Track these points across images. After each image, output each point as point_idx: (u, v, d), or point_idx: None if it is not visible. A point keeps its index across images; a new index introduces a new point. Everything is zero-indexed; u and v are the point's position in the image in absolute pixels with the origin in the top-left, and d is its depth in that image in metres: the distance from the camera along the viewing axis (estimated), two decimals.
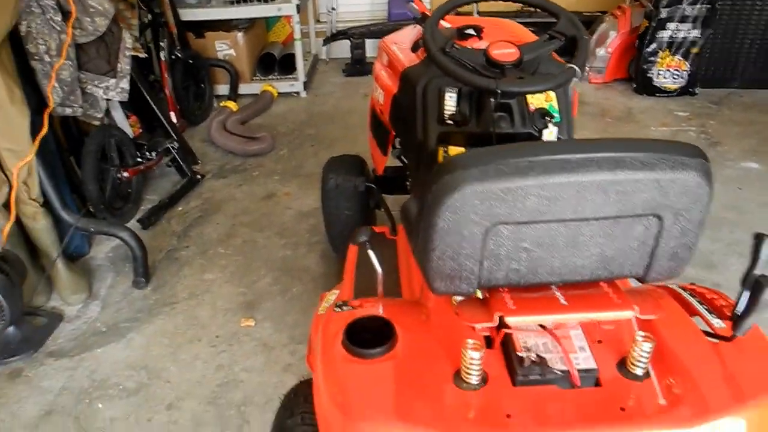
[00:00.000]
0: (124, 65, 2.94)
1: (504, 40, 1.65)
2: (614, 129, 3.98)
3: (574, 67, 1.54)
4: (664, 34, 4.20)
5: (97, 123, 2.98)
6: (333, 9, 5.00)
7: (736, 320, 1.18)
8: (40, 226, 2.56)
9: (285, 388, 1.74)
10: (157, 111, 3.37)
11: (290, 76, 4.57)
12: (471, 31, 1.85)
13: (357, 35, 4.26)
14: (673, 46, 4.24)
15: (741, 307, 1.18)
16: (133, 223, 3.10)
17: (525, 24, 2.19)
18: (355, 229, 1.47)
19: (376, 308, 1.34)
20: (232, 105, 4.18)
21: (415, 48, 1.95)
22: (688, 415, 1.08)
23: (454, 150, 1.69)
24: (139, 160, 3.21)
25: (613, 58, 4.54)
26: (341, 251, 2.40)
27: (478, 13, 3.26)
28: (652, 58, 4.28)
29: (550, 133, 1.72)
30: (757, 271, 1.21)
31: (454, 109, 1.71)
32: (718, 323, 1.27)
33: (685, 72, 4.29)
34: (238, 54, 4.43)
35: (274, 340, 2.37)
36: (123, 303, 2.63)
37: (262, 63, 4.65)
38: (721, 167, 3.53)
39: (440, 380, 1.17)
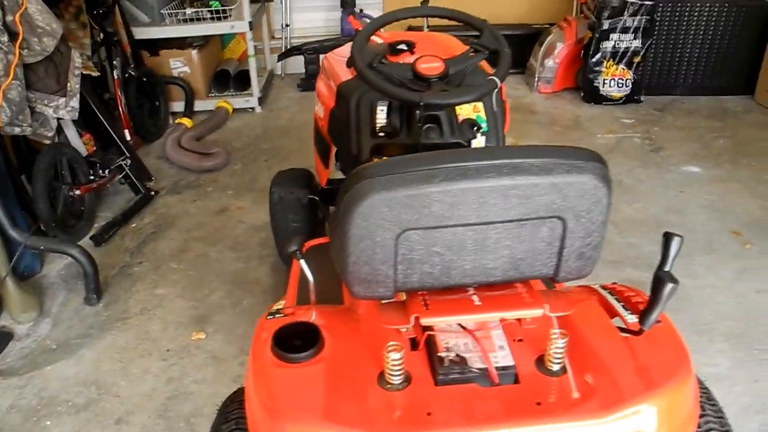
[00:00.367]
0: (74, 84, 2.96)
1: (431, 55, 1.73)
2: (562, 137, 4.10)
3: (495, 78, 1.63)
4: (608, 45, 4.36)
5: (47, 141, 2.99)
6: (287, 25, 5.07)
7: (642, 315, 1.26)
8: None
9: None
10: (110, 129, 3.39)
11: (245, 92, 4.62)
12: (403, 46, 1.93)
13: (311, 51, 4.31)
14: (616, 56, 4.39)
15: None
16: (86, 241, 3.10)
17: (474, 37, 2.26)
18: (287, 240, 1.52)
19: (309, 315, 1.40)
20: (186, 121, 4.20)
21: (349, 64, 2.03)
22: (599, 406, 1.15)
23: None
24: (92, 177, 3.22)
25: (561, 68, 4.68)
26: (289, 263, 2.45)
27: (428, 27, 3.35)
28: (598, 68, 4.43)
29: (478, 143, 1.81)
30: (666, 268, 1.30)
31: (384, 121, 1.78)
32: (632, 319, 1.35)
33: (629, 80, 4.45)
34: (193, 71, 4.46)
35: (224, 351, 2.40)
36: (74, 320, 2.64)
37: (218, 80, 4.69)
38: (664, 171, 3.67)
39: (365, 382, 1.23)
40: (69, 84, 2.93)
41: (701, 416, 1.38)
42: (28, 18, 2.67)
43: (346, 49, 2.36)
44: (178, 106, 4.49)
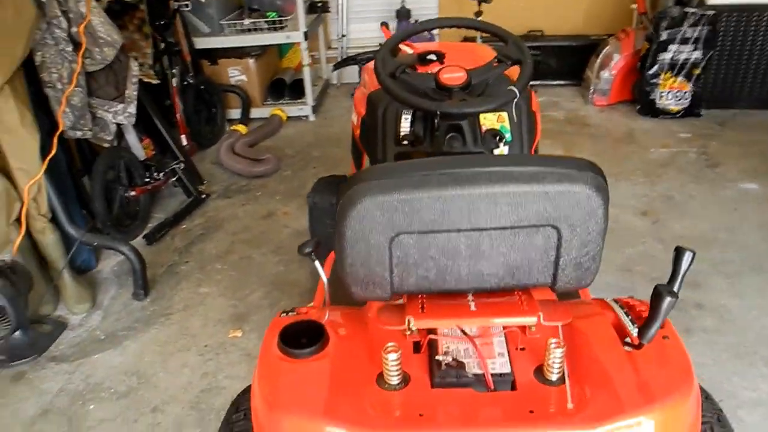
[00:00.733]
0: (131, 91, 3.14)
1: (455, 65, 1.76)
2: (613, 150, 4.03)
3: (514, 89, 1.64)
4: (666, 56, 4.26)
5: (107, 145, 3.17)
6: (343, 35, 5.18)
7: (641, 329, 1.24)
8: (48, 240, 2.74)
9: None
10: (165, 133, 3.56)
11: (300, 101, 4.75)
12: (432, 57, 1.96)
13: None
14: (675, 67, 4.28)
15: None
16: (139, 240, 3.27)
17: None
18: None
19: (321, 315, 1.45)
20: (241, 128, 4.36)
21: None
22: (592, 417, 1.15)
23: None
24: (147, 180, 3.39)
25: (617, 80, 4.60)
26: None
27: (481, 39, 3.37)
28: (654, 80, 4.32)
29: (501, 152, 1.82)
30: (676, 283, 1.28)
31: (408, 130, 1.82)
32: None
33: (687, 93, 4.33)
34: (250, 79, 4.63)
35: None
36: (122, 313, 2.79)
37: (274, 88, 4.84)
38: (719, 188, 3.55)
39: (365, 381, 1.26)
40: (127, 91, 3.11)
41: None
42: (91, 29, 2.85)
43: None
44: (235, 113, 4.66)
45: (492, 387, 1.25)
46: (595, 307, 1.46)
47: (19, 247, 2.61)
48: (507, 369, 1.27)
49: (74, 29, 2.79)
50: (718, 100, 4.47)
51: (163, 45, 3.89)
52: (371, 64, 2.41)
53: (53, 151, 2.70)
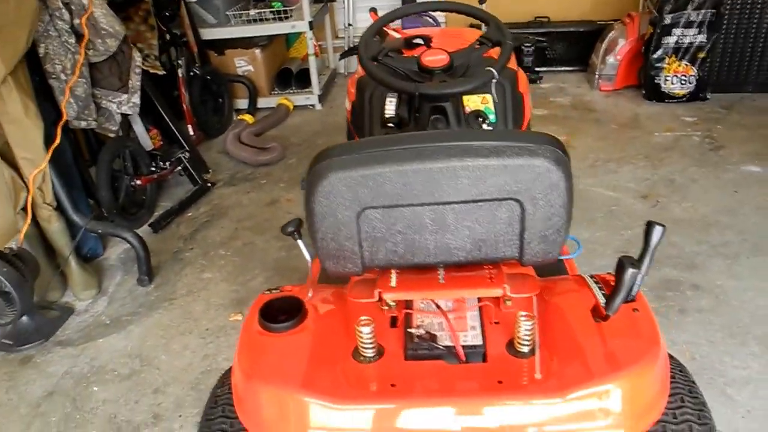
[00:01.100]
0: (135, 82, 3.20)
1: (438, 48, 1.79)
2: (617, 135, 4.02)
3: (492, 69, 1.67)
4: (670, 40, 4.22)
5: (112, 135, 3.24)
6: (350, 25, 5.21)
7: (607, 301, 1.27)
8: (54, 228, 2.81)
9: None
10: (171, 123, 3.62)
11: (306, 90, 4.79)
12: (419, 41, 1.99)
13: None
14: (679, 51, 4.25)
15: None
16: (145, 227, 3.34)
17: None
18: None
19: (305, 292, 1.49)
20: (248, 118, 4.42)
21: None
22: (559, 386, 1.18)
23: None
24: (153, 169, 3.46)
25: (623, 65, 4.57)
26: None
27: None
28: (659, 65, 4.30)
29: None
30: (646, 258, 1.30)
31: (393, 112, 1.85)
32: None
33: (693, 77, 4.29)
34: (257, 69, 4.68)
35: None
36: (127, 299, 2.86)
37: (281, 78, 4.88)
38: (721, 171, 3.53)
39: (341, 354, 1.31)
40: (130, 81, 3.17)
41: (679, 405, 1.37)
42: (93, 21, 2.91)
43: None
44: (243, 103, 4.71)
45: (463, 359, 1.28)
46: (571, 283, 1.49)
47: (26, 235, 2.69)
48: (479, 341, 1.31)
49: (77, 21, 2.85)
50: (724, 84, 4.43)
51: (169, 36, 3.95)
52: None
53: (57, 141, 2.77)
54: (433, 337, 1.32)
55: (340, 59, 5.16)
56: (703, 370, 2.19)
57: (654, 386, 1.21)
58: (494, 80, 1.68)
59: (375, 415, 1.17)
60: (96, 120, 3.07)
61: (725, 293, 2.57)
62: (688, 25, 4.16)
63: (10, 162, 2.68)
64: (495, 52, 1.82)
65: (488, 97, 1.86)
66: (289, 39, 5.25)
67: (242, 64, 4.66)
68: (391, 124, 1.86)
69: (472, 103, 1.85)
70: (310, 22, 4.48)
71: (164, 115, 3.63)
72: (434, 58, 1.74)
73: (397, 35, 2.06)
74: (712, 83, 4.39)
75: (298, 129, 4.51)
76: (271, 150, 3.99)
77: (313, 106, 4.80)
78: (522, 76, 2.12)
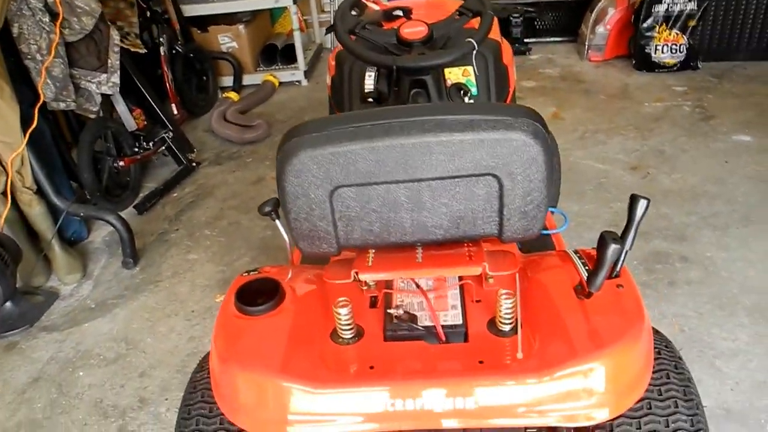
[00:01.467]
0: (114, 60, 3.13)
1: (417, 19, 1.74)
2: (606, 106, 3.97)
3: (471, 41, 1.62)
4: (660, 8, 4.16)
5: (93, 116, 3.18)
6: None
7: (589, 277, 1.24)
8: (36, 212, 2.77)
9: None
10: (153, 103, 3.55)
11: (292, 66, 4.71)
12: (399, 13, 1.94)
13: None
14: (669, 20, 4.19)
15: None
16: (130, 209, 3.30)
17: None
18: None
19: (285, 274, 1.46)
20: (233, 95, 4.35)
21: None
22: (540, 365, 1.15)
23: None
24: (136, 150, 3.40)
25: (613, 35, 4.50)
26: None
27: None
28: (649, 34, 4.24)
29: None
30: (630, 233, 1.27)
31: (372, 87, 1.80)
32: None
33: (683, 46, 4.24)
34: (241, 46, 4.59)
35: None
36: (113, 282, 2.83)
37: (266, 54, 4.80)
38: (711, 140, 3.50)
39: (320, 336, 1.28)
40: (109, 60, 3.10)
41: (664, 381, 1.35)
42: None
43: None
44: (228, 80, 4.64)
45: (444, 339, 1.25)
46: (555, 259, 1.46)
47: (7, 219, 2.64)
48: (459, 321, 1.28)
49: None
50: (715, 52, 4.38)
51: (149, 13, 3.86)
52: None
53: (34, 124, 2.71)
54: (412, 318, 1.29)
55: (326, 34, 5.02)
56: (692, 343, 2.18)
57: (638, 363, 1.19)
58: (475, 51, 1.63)
59: (353, 398, 1.14)
60: (75, 101, 3.00)
61: (714, 264, 2.56)
62: None
63: None
64: (477, 22, 1.77)
65: (470, 69, 1.81)
66: (274, 14, 5.15)
67: (226, 40, 4.58)
68: (370, 99, 1.82)
69: (453, 75, 1.80)
70: None
71: (147, 94, 3.56)
72: (413, 30, 1.69)
73: (376, 7, 2.00)
74: (703, 52, 4.34)
75: (284, 106, 4.45)
76: (256, 127, 3.94)
77: (299, 82, 4.73)
78: (506, 47, 2.07)
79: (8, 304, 2.58)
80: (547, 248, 1.86)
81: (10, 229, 2.68)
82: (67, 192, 2.98)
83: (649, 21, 4.21)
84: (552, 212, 1.88)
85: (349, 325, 1.25)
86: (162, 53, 3.93)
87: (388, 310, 1.29)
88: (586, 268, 1.38)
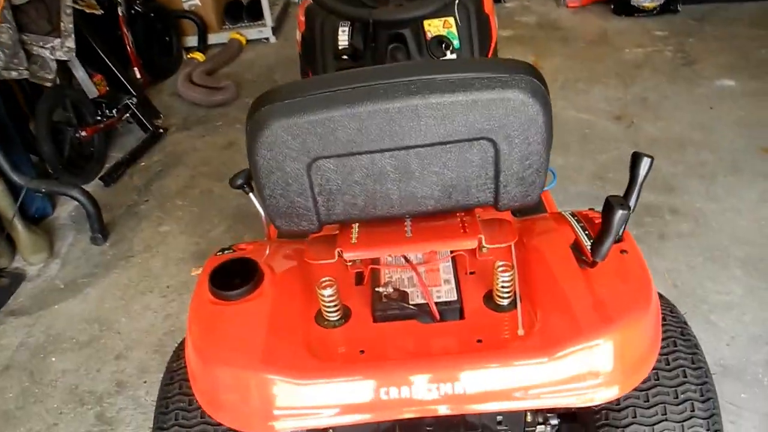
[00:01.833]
0: (68, 24, 2.92)
1: None
2: (585, 53, 3.86)
3: None
4: None
5: (49, 84, 2.98)
6: None
7: (593, 245, 1.14)
8: None
9: None
10: (113, 67, 3.36)
11: (259, 23, 4.50)
12: None
13: None
14: None
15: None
16: (96, 181, 3.14)
17: None
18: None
19: (262, 252, 1.35)
20: (199, 56, 4.15)
21: None
22: (544, 343, 1.06)
23: None
24: (99, 118, 3.22)
25: None
26: None
27: None
28: None
29: None
30: (633, 193, 1.18)
31: (347, 43, 1.67)
32: None
33: None
34: (204, 3, 4.36)
35: None
36: (82, 260, 2.70)
37: (231, 11, 4.58)
38: (694, 86, 3.42)
39: (304, 320, 1.18)
40: (62, 24, 2.89)
41: (672, 349, 1.28)
42: None
43: None
44: (192, 40, 4.42)
45: (438, 317, 1.16)
46: (551, 223, 1.36)
47: None
48: (454, 296, 1.19)
49: None
50: None
51: None
52: None
53: None
54: (403, 296, 1.19)
55: None
56: (685, 297, 2.13)
57: (648, 335, 1.11)
58: (457, 1, 1.51)
59: (343, 387, 1.05)
60: (28, 69, 2.80)
61: (704, 215, 2.50)
62: None
63: None
64: None
65: (451, 20, 1.68)
66: None
67: None
68: (345, 57, 1.68)
69: (433, 28, 1.67)
70: None
71: (106, 58, 3.36)
72: None
73: None
74: None
75: (253, 64, 4.26)
76: (224, 89, 3.76)
77: (267, 39, 4.52)
78: None
79: None
80: (537, 207, 1.77)
81: None
82: (26, 167, 2.82)
83: None
84: None
85: (334, 306, 1.15)
86: (120, 13, 3.70)
87: (377, 289, 1.19)
88: (586, 233, 1.29)
